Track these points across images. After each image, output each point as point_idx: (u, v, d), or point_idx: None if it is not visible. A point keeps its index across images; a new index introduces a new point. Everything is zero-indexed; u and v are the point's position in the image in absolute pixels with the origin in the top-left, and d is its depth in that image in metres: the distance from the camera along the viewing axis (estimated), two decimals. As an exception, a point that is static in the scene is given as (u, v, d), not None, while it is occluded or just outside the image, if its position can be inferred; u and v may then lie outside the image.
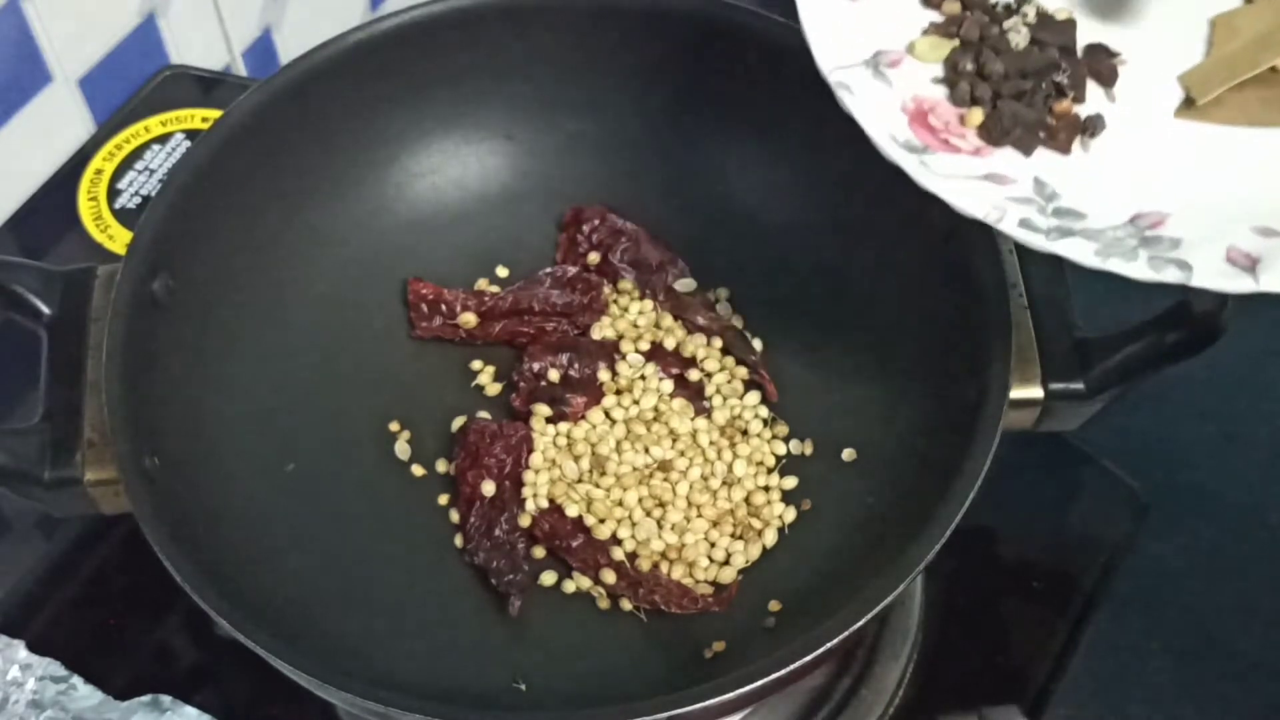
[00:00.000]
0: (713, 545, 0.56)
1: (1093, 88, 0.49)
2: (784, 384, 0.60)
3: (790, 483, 0.58)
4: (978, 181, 0.45)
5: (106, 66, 0.74)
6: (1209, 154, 0.47)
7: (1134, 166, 0.47)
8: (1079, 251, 0.43)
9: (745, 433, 0.59)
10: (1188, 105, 0.47)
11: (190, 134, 0.75)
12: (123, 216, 0.72)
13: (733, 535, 0.56)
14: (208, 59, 0.79)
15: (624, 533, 0.56)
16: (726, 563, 0.56)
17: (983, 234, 0.54)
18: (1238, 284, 0.42)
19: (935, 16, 0.50)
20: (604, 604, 0.56)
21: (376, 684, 0.47)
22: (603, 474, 0.58)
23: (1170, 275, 0.42)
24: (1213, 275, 0.42)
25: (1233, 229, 0.43)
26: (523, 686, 0.53)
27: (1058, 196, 0.45)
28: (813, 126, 0.60)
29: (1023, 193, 0.45)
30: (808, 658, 0.46)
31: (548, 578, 0.56)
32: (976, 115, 0.47)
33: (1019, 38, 0.48)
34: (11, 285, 0.55)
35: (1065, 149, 0.46)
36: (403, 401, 0.60)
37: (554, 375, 0.60)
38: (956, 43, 0.48)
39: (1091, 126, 0.47)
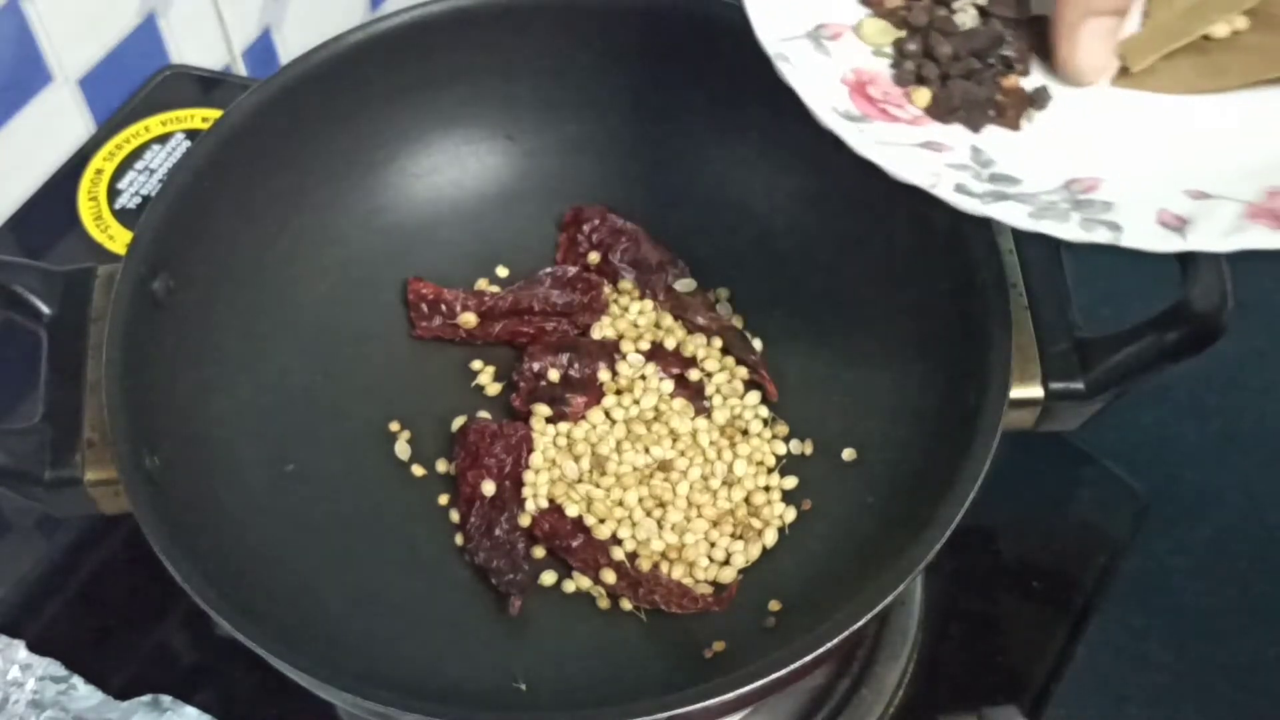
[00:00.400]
0: (713, 545, 0.56)
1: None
2: (784, 384, 0.60)
3: (790, 483, 0.58)
4: (915, 149, 0.46)
5: (106, 66, 0.74)
6: (1143, 121, 0.47)
7: (1070, 133, 0.47)
8: (1013, 214, 0.43)
9: (745, 433, 0.59)
10: (1123, 74, 0.48)
11: (190, 134, 0.75)
12: (123, 216, 0.72)
13: (733, 535, 0.56)
14: (208, 59, 0.79)
15: (624, 533, 0.56)
16: (726, 563, 0.56)
17: (982, 234, 0.54)
18: (1167, 243, 0.42)
19: None
20: (604, 604, 0.56)
21: (376, 684, 0.47)
22: (603, 474, 0.58)
23: (1100, 235, 0.43)
24: (1143, 236, 0.43)
25: (1164, 192, 0.44)
26: (523, 686, 0.53)
27: (993, 163, 0.46)
28: (814, 128, 0.60)
29: (959, 159, 0.46)
30: (808, 658, 0.46)
31: (548, 578, 0.56)
32: (924, 95, 0.47)
33: (966, 18, 0.48)
34: (11, 285, 0.55)
35: (1014, 125, 0.47)
36: (403, 401, 0.60)
37: (554, 375, 0.60)
38: (903, 32, 0.49)
39: (1039, 100, 0.48)
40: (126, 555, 0.62)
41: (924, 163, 0.45)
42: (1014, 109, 0.47)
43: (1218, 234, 0.42)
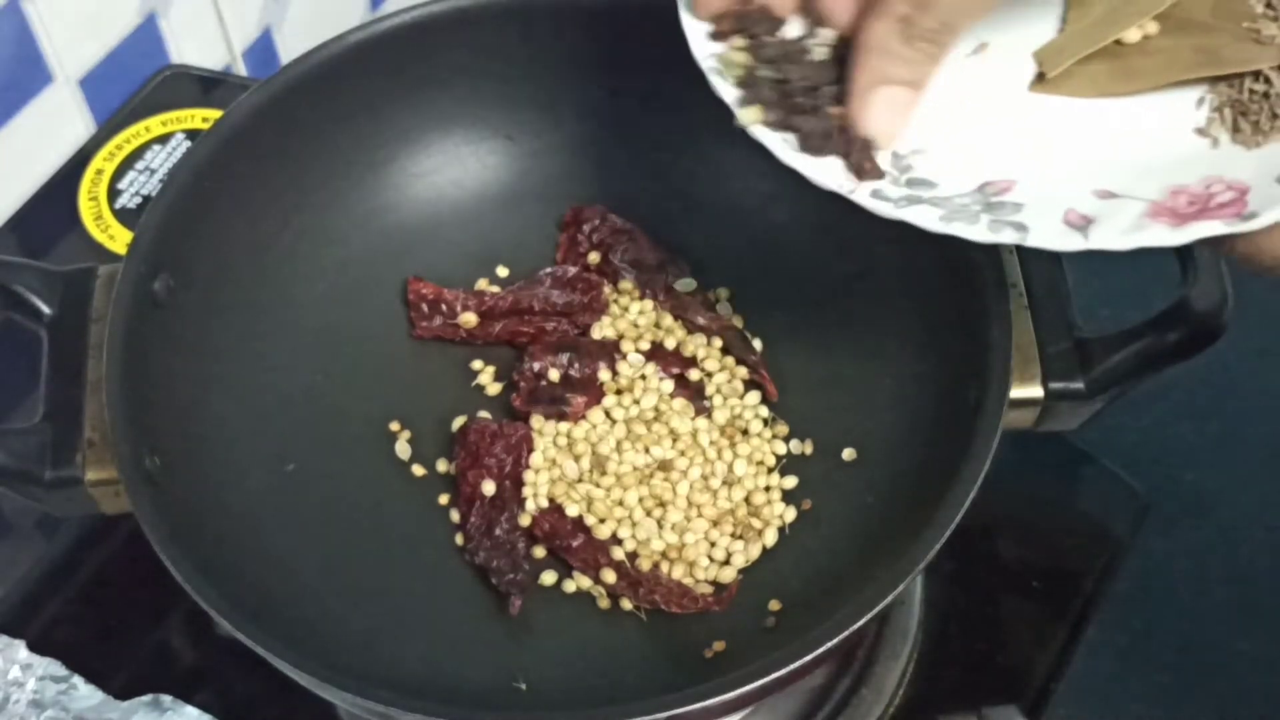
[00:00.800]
0: (713, 545, 0.56)
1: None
2: (784, 384, 0.60)
3: (790, 483, 0.58)
4: (837, 157, 0.47)
5: (107, 66, 0.74)
6: (1058, 123, 0.48)
7: (988, 138, 0.48)
8: (924, 218, 0.44)
9: (745, 432, 0.59)
10: (1040, 79, 0.49)
11: (190, 134, 0.75)
12: (123, 216, 0.72)
13: (733, 535, 0.56)
14: (208, 59, 0.79)
15: (624, 532, 0.56)
16: (726, 562, 0.56)
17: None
18: (1069, 243, 0.43)
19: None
20: (604, 604, 0.56)
21: (376, 684, 0.47)
22: (603, 474, 0.58)
23: (1007, 236, 0.44)
24: (1047, 235, 0.44)
25: (1074, 192, 0.45)
26: (523, 686, 0.53)
27: (911, 168, 0.47)
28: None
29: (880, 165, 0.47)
30: (808, 658, 0.46)
31: (548, 577, 0.56)
32: (752, 113, 0.47)
33: (822, 54, 0.49)
34: (12, 285, 0.55)
35: (864, 172, 0.47)
36: (403, 401, 0.60)
37: (554, 375, 0.60)
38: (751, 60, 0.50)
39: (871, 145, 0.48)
40: (126, 555, 0.62)
41: (844, 169, 0.46)
42: (859, 153, 0.47)
43: (1117, 233, 0.43)
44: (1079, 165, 0.47)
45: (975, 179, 0.46)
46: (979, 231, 0.44)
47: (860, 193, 0.45)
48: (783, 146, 0.46)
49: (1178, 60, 0.48)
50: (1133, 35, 0.48)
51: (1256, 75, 0.46)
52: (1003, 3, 0.47)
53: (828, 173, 0.46)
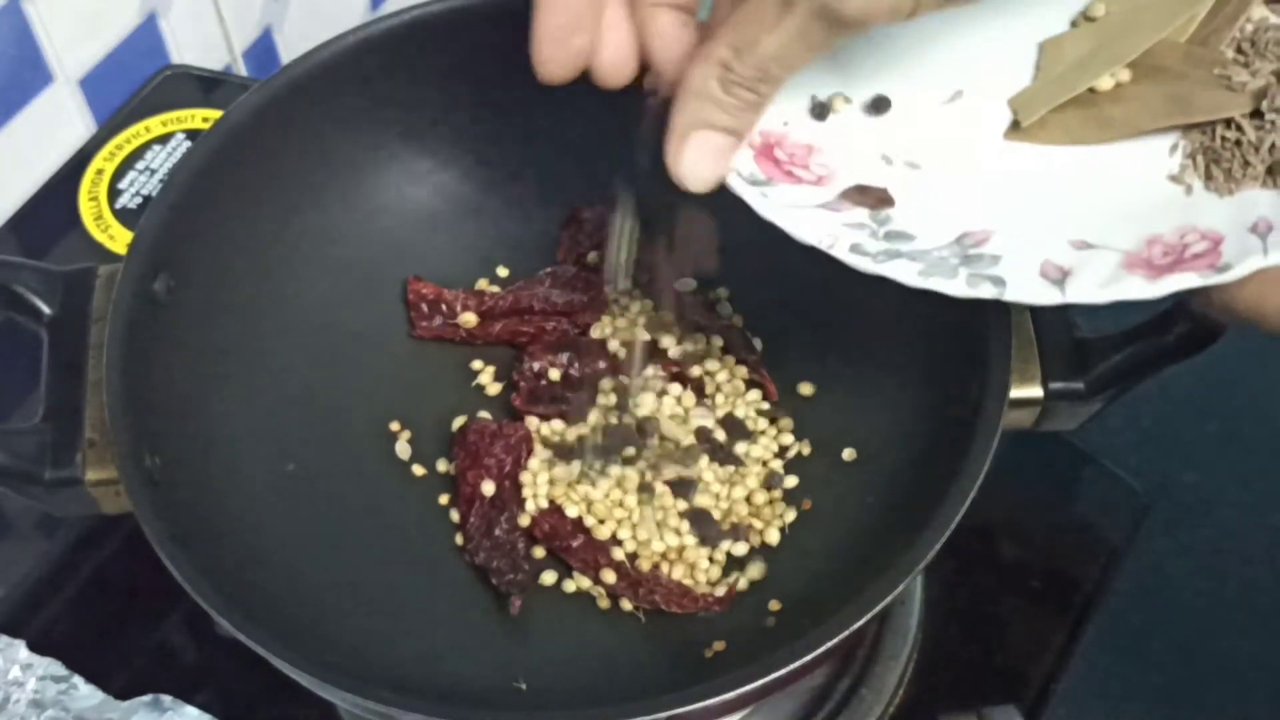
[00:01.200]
0: (714, 546, 0.56)
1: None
2: (784, 384, 0.60)
3: (790, 482, 0.58)
4: (815, 210, 0.47)
5: (107, 66, 0.74)
6: (1033, 172, 0.49)
7: (965, 188, 0.48)
8: (904, 273, 0.45)
9: (746, 432, 0.59)
10: (1015, 127, 0.49)
11: (191, 134, 0.75)
12: (123, 216, 0.72)
13: (734, 535, 0.56)
14: (208, 59, 0.79)
15: (624, 533, 0.56)
16: (727, 563, 0.56)
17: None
18: (1046, 296, 0.43)
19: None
20: (604, 604, 0.56)
21: (376, 684, 0.47)
22: (603, 475, 0.58)
23: (985, 291, 0.44)
24: (1024, 289, 0.44)
25: (1050, 243, 0.45)
26: (523, 686, 0.53)
27: (890, 220, 0.47)
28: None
29: (857, 218, 0.47)
30: (808, 658, 0.46)
31: (548, 578, 0.56)
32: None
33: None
34: (12, 285, 0.55)
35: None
36: (403, 401, 0.60)
37: (554, 375, 0.60)
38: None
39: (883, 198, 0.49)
40: (126, 555, 0.62)
41: (823, 224, 0.46)
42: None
43: (1094, 285, 0.43)
44: (1055, 214, 0.47)
45: (953, 230, 0.46)
46: (957, 286, 0.44)
47: (839, 248, 0.46)
48: (762, 201, 0.46)
49: (1150, 108, 0.48)
50: (1105, 83, 0.49)
51: (1228, 123, 0.46)
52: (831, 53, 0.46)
53: (808, 229, 0.46)
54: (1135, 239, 0.44)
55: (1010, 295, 0.44)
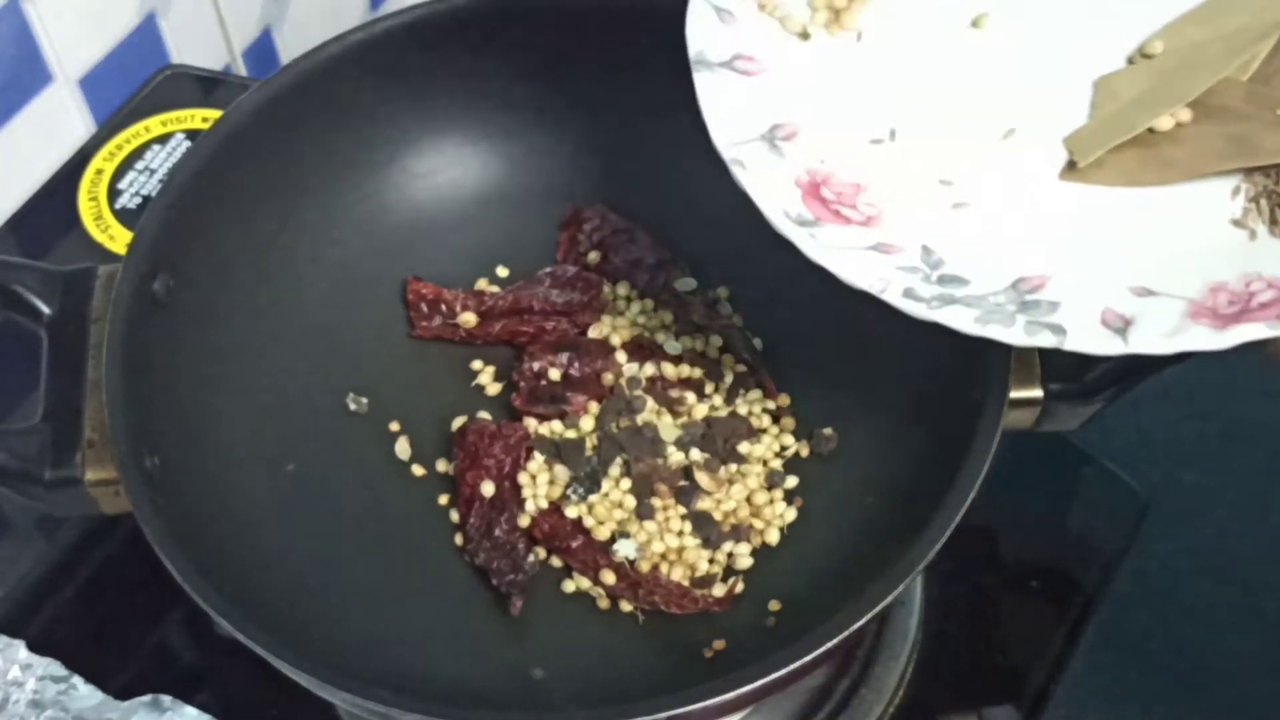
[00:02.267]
0: (715, 547, 0.56)
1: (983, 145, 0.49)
2: (783, 384, 0.60)
3: (790, 482, 0.58)
4: (865, 252, 0.46)
5: (107, 66, 0.74)
6: (1090, 215, 0.47)
7: (1019, 230, 0.47)
8: (959, 320, 0.44)
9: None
10: (1070, 168, 0.48)
11: (190, 134, 0.75)
12: (123, 216, 0.72)
13: (734, 536, 0.56)
14: (208, 59, 0.79)
15: (624, 537, 0.56)
16: (727, 564, 0.56)
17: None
18: (1108, 346, 0.43)
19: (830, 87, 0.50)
20: (604, 604, 0.56)
21: (376, 684, 0.47)
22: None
23: (1044, 340, 0.43)
24: (1086, 338, 0.43)
25: (1110, 289, 0.44)
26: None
27: (943, 264, 0.46)
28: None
29: (909, 261, 0.46)
30: (808, 658, 0.46)
31: (548, 578, 0.56)
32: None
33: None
34: (11, 285, 0.55)
35: None
36: (403, 401, 0.60)
37: (554, 374, 0.60)
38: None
39: None
40: (126, 555, 0.62)
41: (874, 267, 0.46)
42: None
43: (1159, 336, 0.42)
44: (1114, 259, 0.45)
45: (1008, 275, 0.45)
46: (1015, 335, 0.43)
47: (892, 293, 0.45)
48: (811, 243, 0.45)
49: (1211, 149, 0.46)
50: (1165, 123, 0.47)
51: None
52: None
53: (859, 272, 0.45)
54: (1198, 286, 0.43)
55: (1071, 345, 0.43)
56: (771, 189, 0.47)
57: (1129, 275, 0.45)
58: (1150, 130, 0.48)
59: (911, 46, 0.52)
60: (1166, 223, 0.46)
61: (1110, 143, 0.48)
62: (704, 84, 0.49)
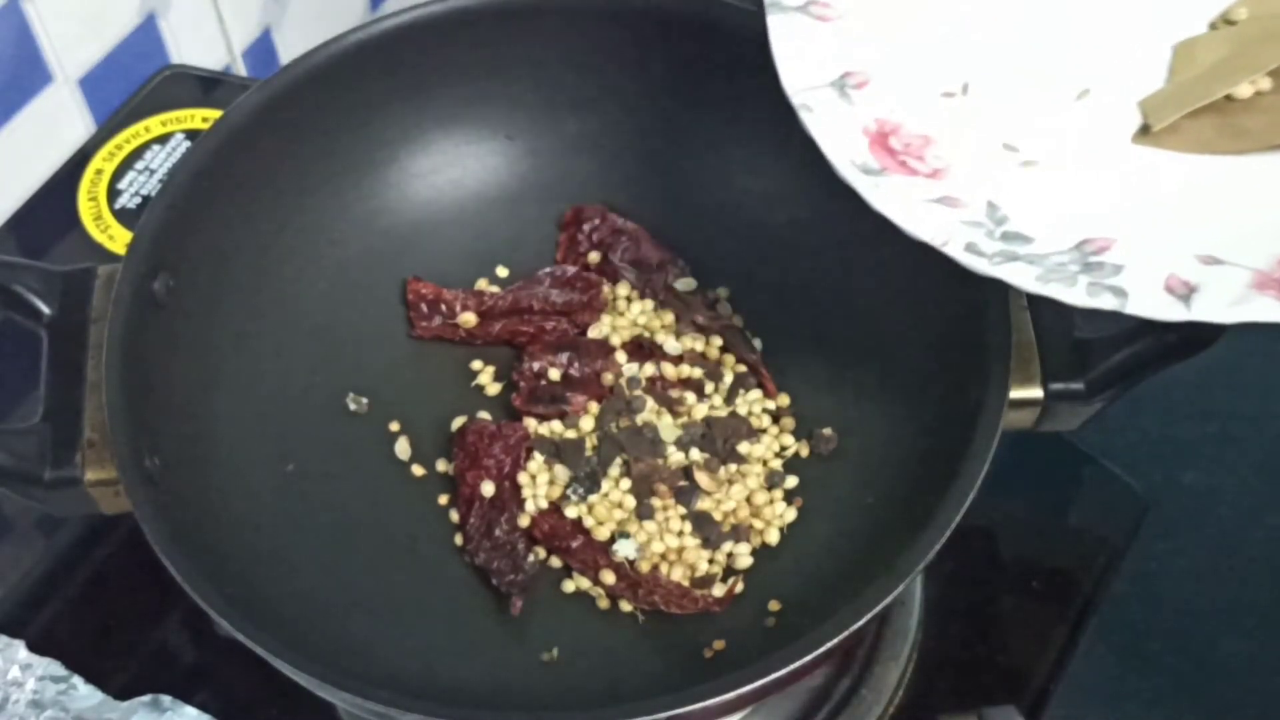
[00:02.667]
0: (715, 548, 0.56)
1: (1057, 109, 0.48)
2: (784, 383, 0.60)
3: (790, 482, 0.58)
4: (930, 204, 0.46)
5: (106, 66, 0.74)
6: (1161, 180, 0.47)
7: (1087, 191, 0.47)
8: (1020, 277, 0.43)
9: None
10: (1144, 131, 0.48)
11: (190, 134, 0.75)
12: (123, 216, 0.72)
13: (734, 536, 0.56)
14: (208, 59, 0.79)
15: (623, 537, 0.56)
16: (727, 564, 0.56)
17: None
18: (1171, 312, 0.42)
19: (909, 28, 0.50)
20: (604, 604, 0.56)
21: (376, 684, 0.47)
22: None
23: (1106, 302, 0.43)
24: (1148, 303, 0.42)
25: (1176, 256, 0.44)
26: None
27: (1007, 220, 0.46)
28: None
29: (973, 216, 0.46)
30: (808, 658, 0.46)
31: (548, 577, 0.56)
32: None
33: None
34: (11, 285, 0.55)
35: None
36: (403, 401, 0.60)
37: (554, 374, 0.60)
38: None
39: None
40: (126, 555, 0.62)
41: (937, 219, 0.45)
42: None
43: (1223, 304, 0.42)
44: (1182, 225, 0.45)
45: (1073, 236, 0.45)
46: (1076, 295, 0.43)
47: (954, 246, 0.44)
48: (875, 192, 0.45)
49: None
50: (1244, 91, 0.46)
51: None
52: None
53: (923, 224, 0.45)
54: (1267, 257, 0.43)
55: (1132, 308, 0.42)
56: (839, 136, 0.47)
57: (1196, 243, 0.44)
58: (1228, 98, 0.47)
59: (989, 0, 0.51)
60: (1238, 192, 0.46)
61: (1186, 108, 0.47)
62: (777, 26, 0.48)
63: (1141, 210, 0.46)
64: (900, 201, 0.45)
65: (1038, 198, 0.46)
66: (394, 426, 0.60)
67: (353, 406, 0.59)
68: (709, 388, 0.60)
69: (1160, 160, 0.47)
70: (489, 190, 0.64)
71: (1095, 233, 0.45)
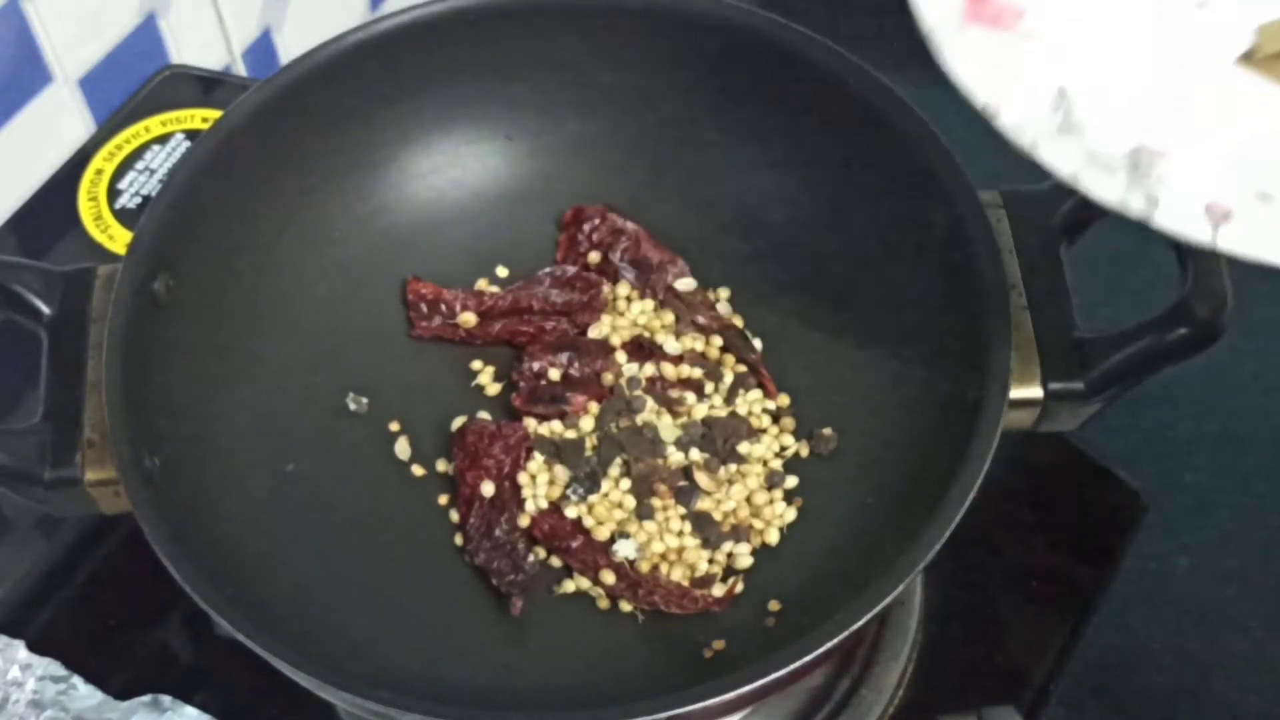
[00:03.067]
0: (715, 548, 0.56)
1: None
2: (784, 384, 0.60)
3: (790, 482, 0.58)
4: (999, 70, 0.44)
5: (106, 66, 0.74)
6: (1246, 108, 0.45)
7: (1165, 101, 0.45)
8: (1058, 161, 0.43)
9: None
10: (1248, 56, 0.46)
11: (190, 134, 0.75)
12: (123, 216, 0.72)
13: (734, 536, 0.56)
14: (208, 59, 0.79)
15: (623, 537, 0.56)
16: (727, 564, 0.56)
17: (983, 234, 0.54)
18: (1197, 233, 0.41)
19: None
20: (604, 604, 0.56)
21: (376, 684, 0.47)
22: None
23: (1135, 204, 0.42)
24: (1178, 219, 0.42)
25: (1230, 185, 0.43)
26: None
27: (1071, 110, 0.44)
28: (815, 127, 0.60)
29: (1038, 97, 0.44)
30: (808, 658, 0.46)
31: (548, 577, 0.56)
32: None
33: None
34: (11, 285, 0.55)
35: None
36: (403, 401, 0.60)
37: (554, 374, 0.60)
38: None
39: None
40: (126, 555, 0.62)
41: (1000, 87, 0.44)
42: None
43: (1254, 240, 0.41)
44: (1249, 158, 0.43)
45: (1131, 140, 0.43)
46: (1112, 190, 0.42)
47: (1005, 119, 0.43)
48: (947, 46, 0.44)
49: None
50: None
51: None
52: None
53: (981, 85, 0.43)
54: None
55: (1160, 220, 0.41)
56: None
57: (1256, 178, 0.43)
58: None
59: None
60: None
61: None
62: None
63: (1214, 134, 0.44)
64: (971, 61, 0.44)
65: (1110, 95, 0.45)
66: (394, 426, 0.60)
67: (353, 406, 0.59)
68: (709, 388, 0.60)
69: (1254, 88, 0.45)
70: (489, 190, 0.64)
71: (1154, 143, 0.43)
